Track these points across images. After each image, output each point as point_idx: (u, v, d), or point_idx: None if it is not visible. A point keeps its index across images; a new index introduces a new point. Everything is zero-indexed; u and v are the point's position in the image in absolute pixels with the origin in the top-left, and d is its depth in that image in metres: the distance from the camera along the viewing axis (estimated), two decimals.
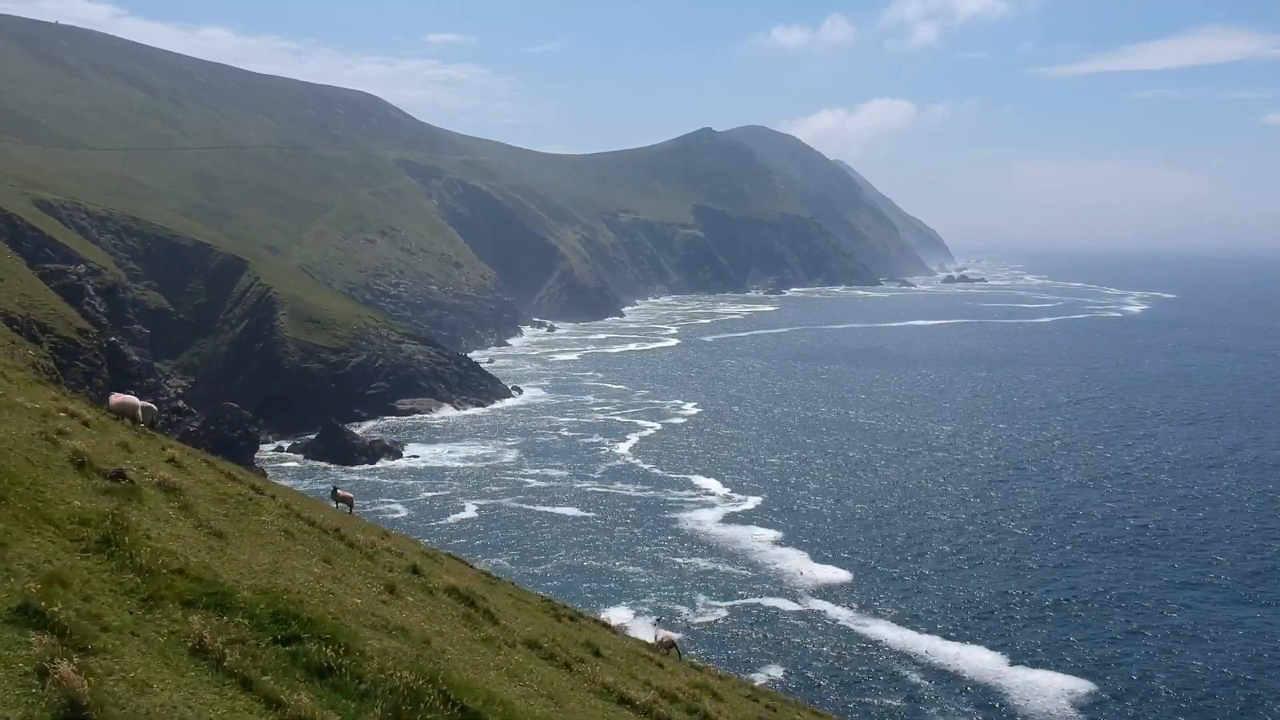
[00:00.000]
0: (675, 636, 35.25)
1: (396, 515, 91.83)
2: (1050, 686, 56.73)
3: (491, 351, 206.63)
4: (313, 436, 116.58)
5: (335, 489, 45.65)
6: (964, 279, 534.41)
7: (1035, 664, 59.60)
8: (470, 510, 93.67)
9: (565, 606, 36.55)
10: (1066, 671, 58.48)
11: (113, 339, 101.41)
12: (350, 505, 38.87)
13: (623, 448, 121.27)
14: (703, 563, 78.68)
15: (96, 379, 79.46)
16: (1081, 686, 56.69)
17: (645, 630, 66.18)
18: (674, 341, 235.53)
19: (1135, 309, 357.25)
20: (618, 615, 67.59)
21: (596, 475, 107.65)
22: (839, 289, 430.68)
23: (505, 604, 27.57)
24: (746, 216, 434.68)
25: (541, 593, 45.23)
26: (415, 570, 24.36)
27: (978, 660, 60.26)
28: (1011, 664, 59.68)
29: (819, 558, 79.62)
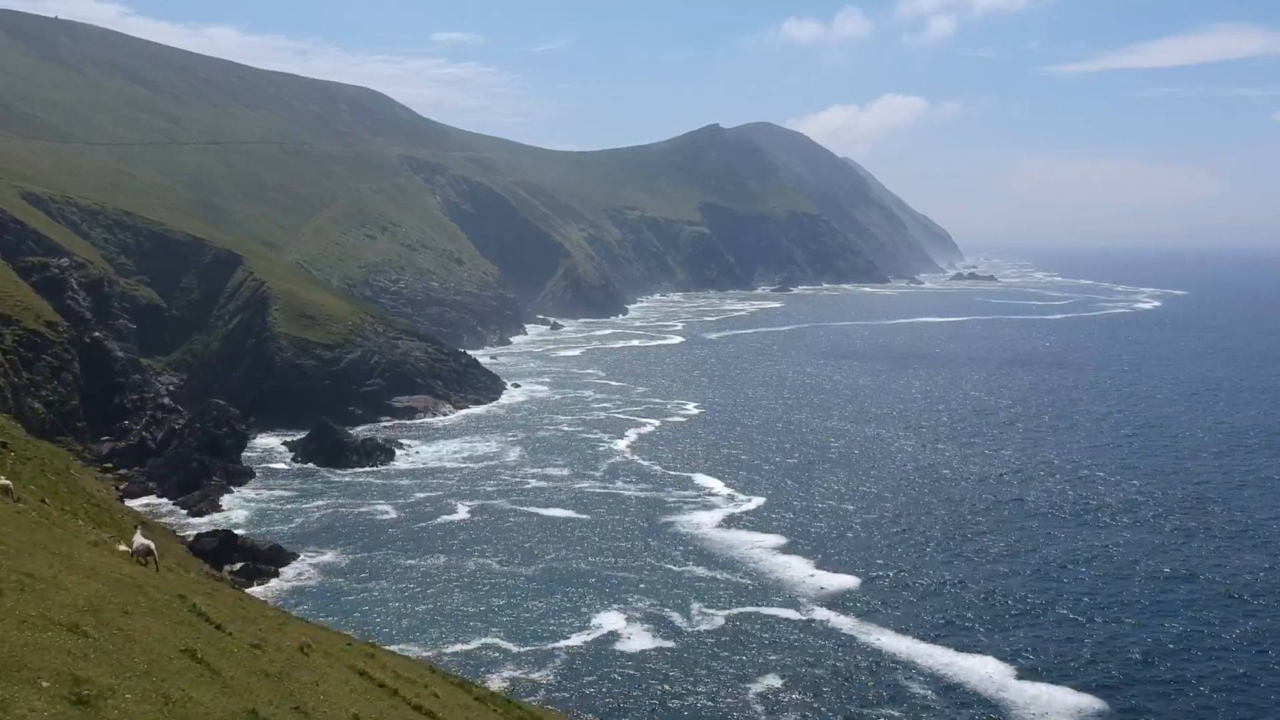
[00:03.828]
0: (150, 544, 31.57)
1: (386, 517, 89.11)
2: (1058, 701, 53.59)
3: (494, 349, 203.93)
4: (304, 435, 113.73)
5: None
6: (973, 276, 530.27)
7: (1043, 677, 56.45)
8: (462, 511, 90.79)
9: None
10: (1077, 687, 55.26)
11: (96, 334, 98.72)
12: (9, 494, 33.55)
13: (622, 445, 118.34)
14: (700, 567, 75.65)
15: (66, 373, 76.71)
16: (1091, 704, 53.52)
17: (641, 638, 63.46)
18: (678, 339, 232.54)
19: (1147, 305, 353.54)
20: (609, 621, 64.85)
21: (594, 475, 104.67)
22: (847, 286, 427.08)
23: None
24: (753, 214, 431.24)
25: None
26: None
27: (984, 671, 57.18)
28: (1019, 676, 56.56)
29: (822, 563, 76.43)
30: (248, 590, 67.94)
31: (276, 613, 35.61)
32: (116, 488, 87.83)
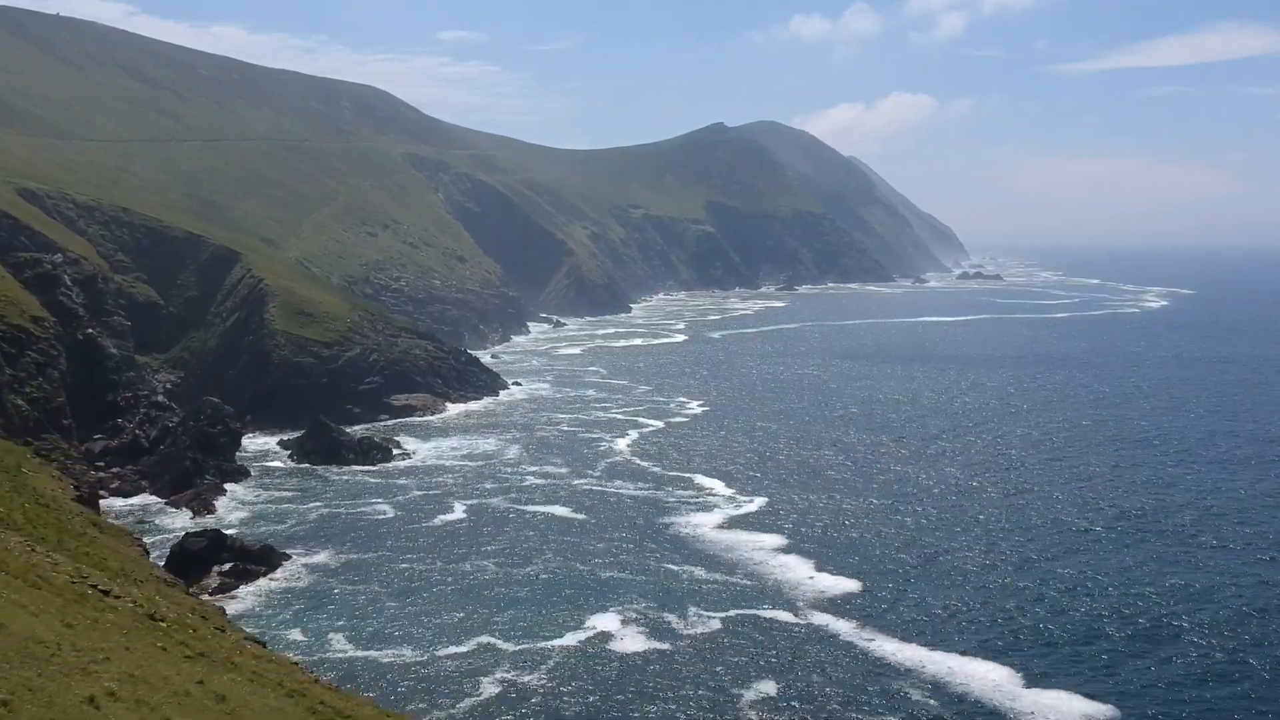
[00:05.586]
0: None
1: (383, 516, 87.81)
2: (1070, 710, 51.99)
3: (496, 347, 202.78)
4: (301, 434, 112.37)
5: None
6: (979, 275, 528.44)
7: (1052, 684, 54.85)
8: (459, 510, 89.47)
9: None
10: (1086, 694, 53.63)
11: (89, 330, 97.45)
12: None
13: (622, 444, 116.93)
14: (699, 569, 74.14)
15: (51, 370, 75.35)
16: (1101, 711, 51.89)
17: (635, 641, 62.02)
18: (681, 338, 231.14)
19: (1154, 304, 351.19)
20: (605, 622, 63.55)
21: (594, 474, 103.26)
22: (853, 285, 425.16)
23: None
24: (759, 212, 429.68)
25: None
26: None
27: (991, 678, 55.59)
28: (1027, 684, 54.91)
29: (824, 566, 74.77)
30: (236, 591, 66.79)
31: (117, 645, 28.37)
32: (107, 486, 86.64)
